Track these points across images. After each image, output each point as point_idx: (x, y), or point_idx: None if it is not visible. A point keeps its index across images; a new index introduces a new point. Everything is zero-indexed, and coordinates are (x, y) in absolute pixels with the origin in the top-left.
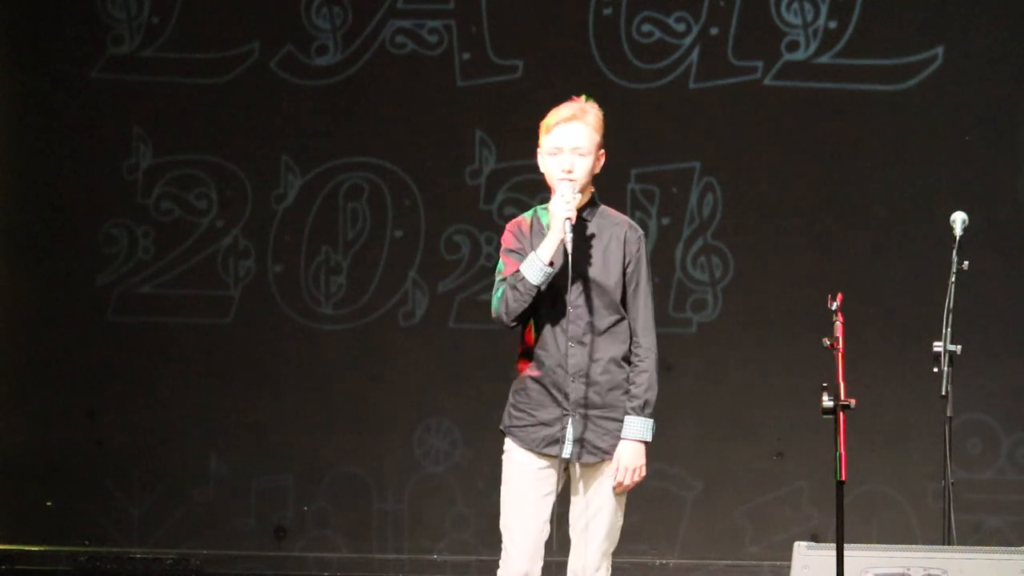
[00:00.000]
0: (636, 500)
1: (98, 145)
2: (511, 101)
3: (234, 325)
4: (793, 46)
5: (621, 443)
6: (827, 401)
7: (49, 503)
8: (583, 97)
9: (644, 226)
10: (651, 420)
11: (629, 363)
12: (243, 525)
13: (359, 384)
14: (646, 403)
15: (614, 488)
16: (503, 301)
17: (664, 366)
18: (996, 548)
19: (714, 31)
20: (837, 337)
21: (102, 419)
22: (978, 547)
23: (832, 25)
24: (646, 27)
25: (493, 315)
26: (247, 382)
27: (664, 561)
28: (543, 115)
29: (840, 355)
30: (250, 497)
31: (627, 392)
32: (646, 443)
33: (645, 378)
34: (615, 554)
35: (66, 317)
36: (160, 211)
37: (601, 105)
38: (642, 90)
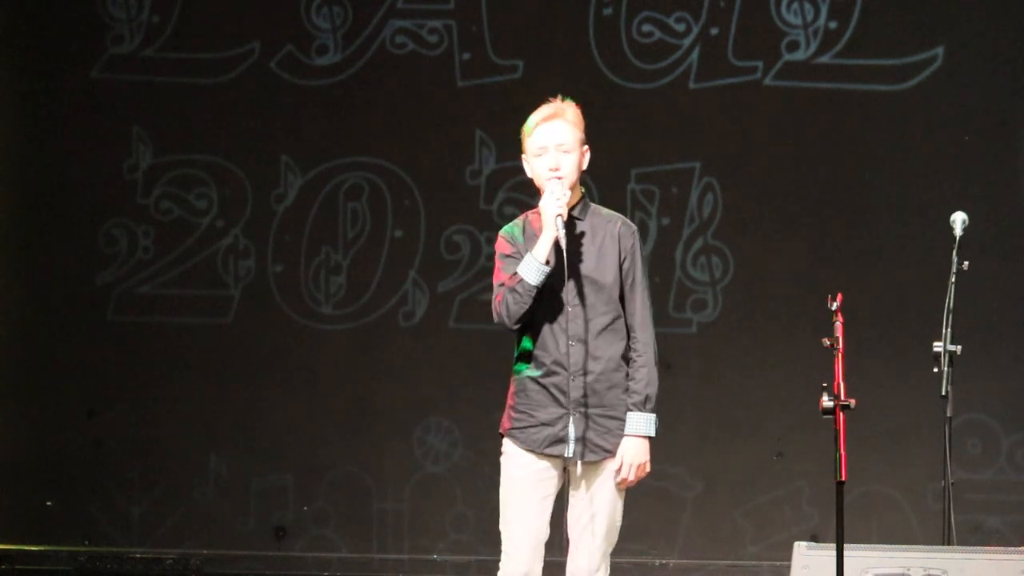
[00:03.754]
0: (636, 500)
1: (98, 145)
2: (511, 101)
3: (234, 325)
4: (793, 46)
5: (624, 439)
6: (827, 401)
7: (49, 503)
8: (559, 97)
9: (644, 226)
10: (653, 415)
11: (627, 361)
12: (243, 525)
13: (359, 384)
14: (647, 398)
15: (617, 484)
16: (504, 304)
17: (664, 366)
18: (996, 548)
19: (714, 31)
20: (837, 337)
21: (102, 419)
22: (978, 547)
23: (832, 25)
24: (646, 27)
25: (495, 319)
26: (247, 382)
27: (664, 561)
28: None
29: (840, 355)
30: (250, 497)
31: (626, 390)
32: (649, 439)
33: (644, 373)
34: (615, 554)
35: (66, 317)
36: (160, 211)
37: (601, 105)
38: (642, 90)
